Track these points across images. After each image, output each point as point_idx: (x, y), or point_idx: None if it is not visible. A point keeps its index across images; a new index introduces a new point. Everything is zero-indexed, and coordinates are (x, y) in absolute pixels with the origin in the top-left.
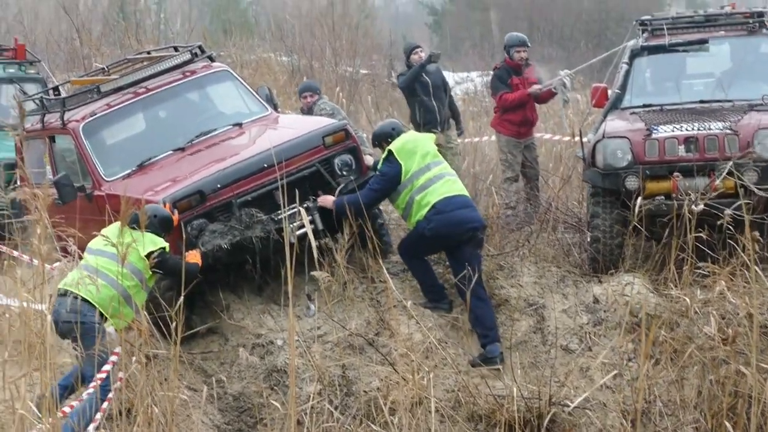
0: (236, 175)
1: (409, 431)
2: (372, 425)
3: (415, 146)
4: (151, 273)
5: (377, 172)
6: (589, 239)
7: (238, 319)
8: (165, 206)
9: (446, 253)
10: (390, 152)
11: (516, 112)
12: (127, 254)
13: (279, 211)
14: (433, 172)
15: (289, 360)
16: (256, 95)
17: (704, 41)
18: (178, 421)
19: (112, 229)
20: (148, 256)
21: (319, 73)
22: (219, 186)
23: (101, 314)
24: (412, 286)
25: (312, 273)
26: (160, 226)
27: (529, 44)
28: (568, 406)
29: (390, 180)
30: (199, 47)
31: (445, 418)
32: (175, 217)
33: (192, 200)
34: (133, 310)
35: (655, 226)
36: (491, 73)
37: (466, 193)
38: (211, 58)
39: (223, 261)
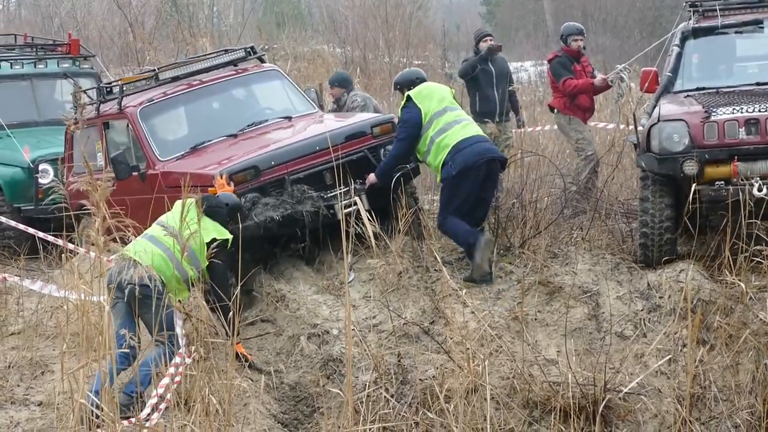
0: (290, 154)
1: (465, 418)
2: (428, 413)
3: (431, 92)
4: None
5: (399, 122)
6: (638, 225)
7: (294, 309)
8: (222, 179)
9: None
10: (408, 97)
11: (582, 98)
12: (191, 239)
13: (328, 191)
14: (451, 116)
15: (344, 349)
16: (304, 95)
17: (759, 22)
18: (235, 411)
19: (173, 215)
20: (210, 244)
21: (372, 64)
22: (273, 163)
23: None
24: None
25: (369, 261)
26: (230, 214)
27: (585, 34)
28: (623, 391)
29: (413, 125)
30: (252, 48)
31: (500, 405)
32: (231, 187)
33: (247, 174)
34: (188, 291)
35: (713, 212)
36: (545, 62)
37: (482, 133)
38: (261, 59)
39: (275, 233)
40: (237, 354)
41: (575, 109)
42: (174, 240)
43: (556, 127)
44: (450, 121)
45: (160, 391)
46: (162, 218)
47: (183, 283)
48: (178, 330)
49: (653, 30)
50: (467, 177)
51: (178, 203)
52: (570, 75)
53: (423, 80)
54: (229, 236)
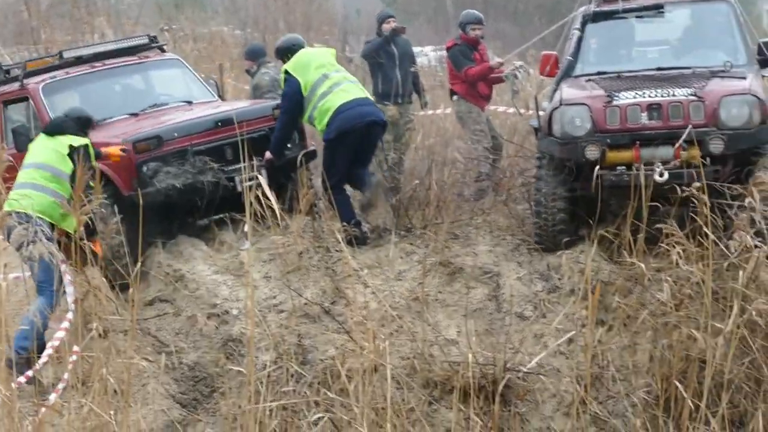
0: (192, 128)
1: (365, 398)
2: (328, 393)
3: (309, 59)
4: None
5: (281, 95)
6: (533, 207)
7: (193, 289)
8: (123, 147)
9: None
10: (286, 71)
11: (481, 86)
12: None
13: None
14: (332, 80)
15: (244, 329)
16: (205, 84)
17: (659, 6)
18: (134, 391)
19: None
20: (71, 155)
21: (272, 47)
22: (176, 135)
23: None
24: (367, 255)
25: (272, 238)
26: (77, 123)
27: (485, 22)
28: (522, 371)
29: (292, 98)
30: (154, 37)
31: (401, 385)
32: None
33: (150, 143)
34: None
35: (614, 197)
36: (443, 48)
37: (366, 95)
38: (162, 49)
39: (175, 201)
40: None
41: (476, 96)
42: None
43: (454, 113)
44: (331, 85)
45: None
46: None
47: (61, 205)
48: (66, 280)
49: (553, 17)
50: (345, 139)
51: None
52: (470, 63)
53: (301, 46)
54: (87, 140)
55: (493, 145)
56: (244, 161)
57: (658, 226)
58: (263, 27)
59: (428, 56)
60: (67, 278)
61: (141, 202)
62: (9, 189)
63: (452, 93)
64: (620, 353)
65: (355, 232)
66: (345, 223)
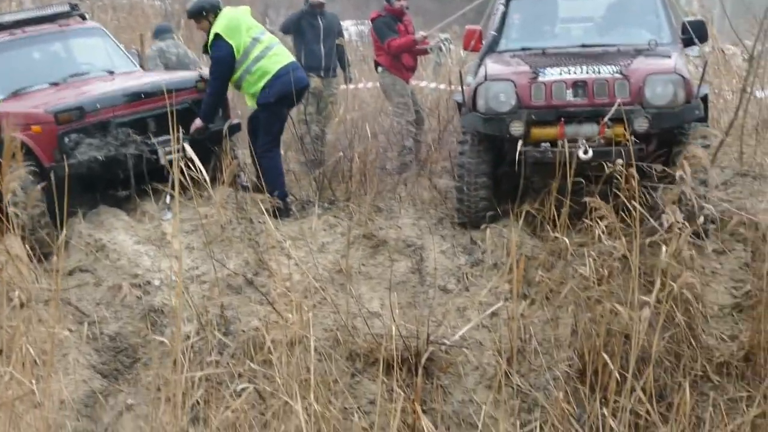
0: (115, 99)
1: (288, 369)
2: (251, 364)
3: (238, 23)
4: None
5: (211, 59)
6: (454, 183)
7: (114, 259)
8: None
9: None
10: (217, 35)
11: (405, 58)
12: None
13: (153, 138)
14: (263, 44)
15: (166, 300)
16: (127, 54)
17: None
18: (54, 361)
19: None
20: None
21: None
22: (98, 106)
23: None
24: (290, 227)
25: (203, 208)
26: None
27: None
28: (445, 344)
29: (224, 62)
30: (75, 5)
31: (324, 357)
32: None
33: (72, 114)
34: None
35: (538, 173)
36: (367, 22)
37: (293, 58)
38: (83, 17)
39: (97, 172)
40: None
41: (400, 68)
42: None
43: (379, 85)
44: (263, 48)
45: None
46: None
47: None
48: None
49: None
50: (283, 103)
51: None
52: (394, 35)
53: (215, 5)
54: None
55: (416, 119)
56: (168, 134)
57: (583, 200)
58: None
59: (348, 31)
60: None
61: (62, 174)
62: None
63: (377, 65)
64: (543, 327)
65: (279, 205)
66: (270, 195)
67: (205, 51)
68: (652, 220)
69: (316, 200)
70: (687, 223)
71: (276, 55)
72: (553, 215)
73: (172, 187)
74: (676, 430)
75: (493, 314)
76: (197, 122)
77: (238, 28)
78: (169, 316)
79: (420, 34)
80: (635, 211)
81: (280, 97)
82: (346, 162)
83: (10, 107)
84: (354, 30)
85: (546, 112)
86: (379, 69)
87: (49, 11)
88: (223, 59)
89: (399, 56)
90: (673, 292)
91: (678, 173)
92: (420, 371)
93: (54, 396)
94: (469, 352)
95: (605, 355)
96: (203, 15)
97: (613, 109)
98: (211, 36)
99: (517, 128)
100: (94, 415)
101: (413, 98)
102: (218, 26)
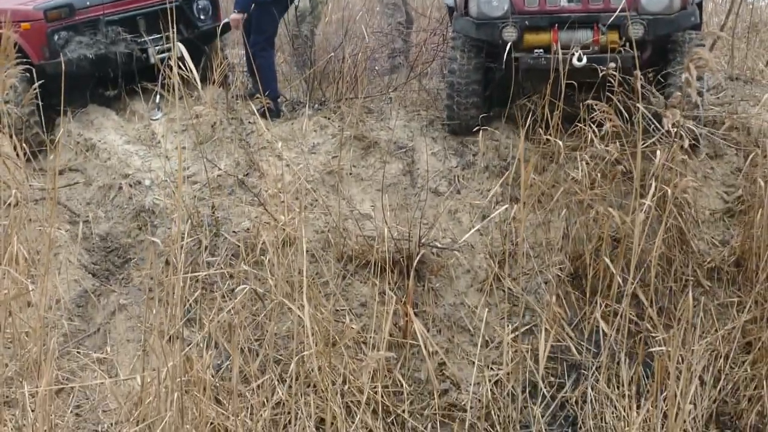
0: None
1: (280, 271)
2: (242, 265)
3: None
4: None
5: None
6: (444, 87)
7: (104, 159)
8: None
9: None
10: None
11: None
12: None
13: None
14: None
15: (157, 200)
16: None
17: None
18: (45, 261)
19: None
20: None
21: None
22: (88, 3)
23: None
24: (281, 128)
25: (194, 108)
26: None
27: None
28: (437, 247)
29: None
30: None
31: (315, 259)
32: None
33: (62, 12)
34: None
35: (530, 80)
36: None
37: None
38: None
39: (87, 71)
40: None
41: None
42: None
43: None
44: None
45: None
46: None
47: None
48: None
49: None
50: (278, 5)
51: None
52: None
53: None
54: None
55: (407, 19)
56: (158, 32)
57: (584, 102)
58: None
59: None
60: None
61: (52, 72)
62: None
63: None
64: (534, 230)
65: (270, 105)
66: (260, 95)
67: None
68: (655, 121)
69: (306, 101)
70: (691, 127)
71: None
72: (546, 118)
73: (162, 87)
74: (670, 336)
75: (484, 217)
76: (235, 15)
77: None
78: (160, 216)
79: None
80: (638, 113)
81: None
82: (336, 63)
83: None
84: None
85: (540, 18)
86: None
87: None
88: None
89: None
90: (667, 195)
91: (684, 75)
92: (411, 274)
93: (48, 295)
94: (460, 254)
95: (606, 259)
96: None
97: (615, 15)
98: None
99: (509, 34)
100: (86, 315)
101: None
102: None
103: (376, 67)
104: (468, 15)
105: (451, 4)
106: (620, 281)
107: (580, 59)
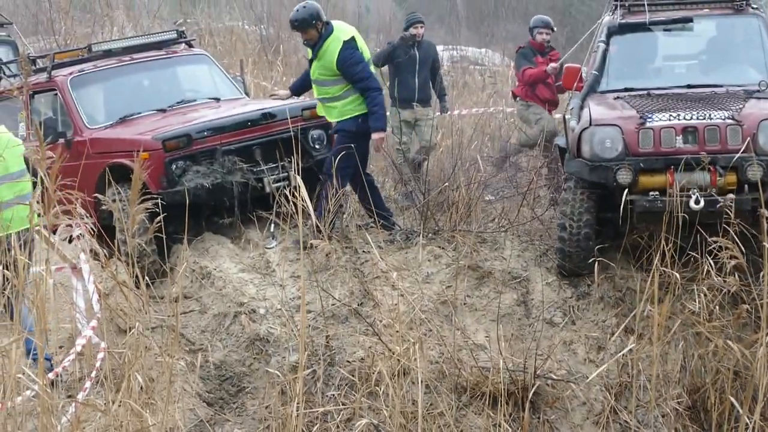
0: (222, 127)
1: (394, 402)
2: (357, 395)
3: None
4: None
5: (356, 63)
6: (557, 228)
7: (219, 287)
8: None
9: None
10: (352, 39)
11: (541, 89)
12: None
13: (258, 166)
14: None
15: (272, 328)
16: (232, 81)
17: (688, 19)
18: (160, 389)
19: None
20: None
21: (287, 44)
22: (206, 134)
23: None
24: (395, 257)
25: (312, 242)
26: None
27: (554, 28)
28: (552, 378)
29: (366, 63)
30: (182, 31)
31: (429, 389)
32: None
33: (180, 142)
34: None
35: (644, 222)
36: (454, 48)
37: None
38: (189, 44)
39: (204, 200)
40: None
41: (535, 99)
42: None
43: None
44: None
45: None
46: None
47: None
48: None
49: (563, 18)
50: (364, 141)
51: None
52: (530, 65)
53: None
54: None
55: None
56: (273, 161)
57: (711, 239)
58: (278, 23)
59: (440, 55)
60: (87, 276)
61: (169, 201)
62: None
63: (514, 96)
64: (650, 363)
65: (383, 222)
66: (378, 210)
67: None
68: None
69: (420, 230)
70: None
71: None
72: (662, 249)
73: (277, 215)
74: None
75: (600, 348)
76: (380, 134)
77: (363, 48)
78: (275, 345)
79: (551, 66)
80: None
81: (364, 134)
82: (450, 191)
83: (118, 134)
84: (446, 55)
85: (654, 160)
86: (516, 98)
87: (156, 38)
88: (362, 59)
89: (533, 87)
90: None
91: None
92: (527, 405)
93: (167, 425)
94: (576, 386)
95: (732, 398)
96: (313, 24)
97: (736, 157)
98: (339, 42)
99: (624, 176)
100: None
101: (550, 126)
102: (347, 32)
103: (487, 197)
104: (581, 157)
105: (563, 145)
106: (747, 419)
107: (697, 202)
